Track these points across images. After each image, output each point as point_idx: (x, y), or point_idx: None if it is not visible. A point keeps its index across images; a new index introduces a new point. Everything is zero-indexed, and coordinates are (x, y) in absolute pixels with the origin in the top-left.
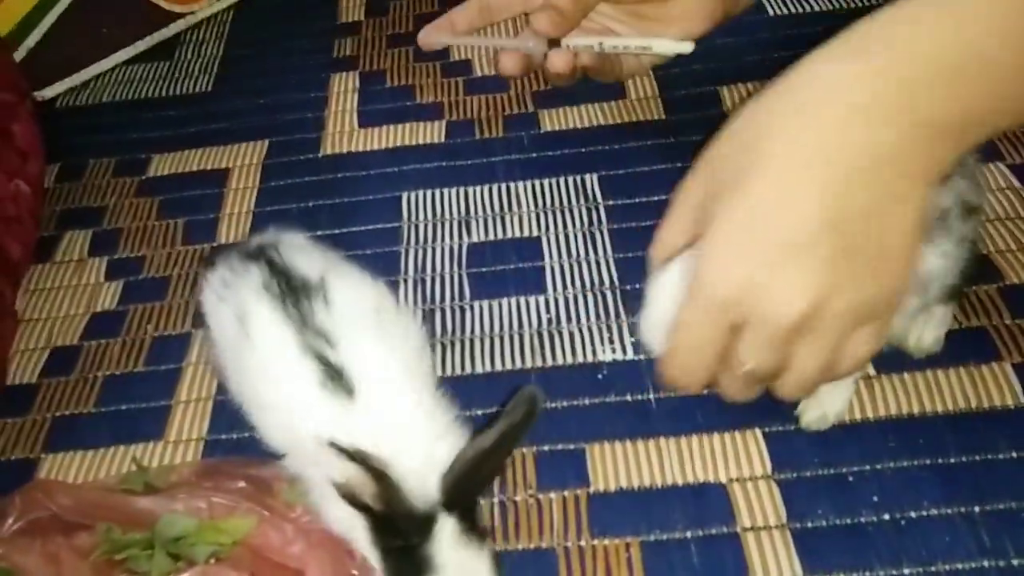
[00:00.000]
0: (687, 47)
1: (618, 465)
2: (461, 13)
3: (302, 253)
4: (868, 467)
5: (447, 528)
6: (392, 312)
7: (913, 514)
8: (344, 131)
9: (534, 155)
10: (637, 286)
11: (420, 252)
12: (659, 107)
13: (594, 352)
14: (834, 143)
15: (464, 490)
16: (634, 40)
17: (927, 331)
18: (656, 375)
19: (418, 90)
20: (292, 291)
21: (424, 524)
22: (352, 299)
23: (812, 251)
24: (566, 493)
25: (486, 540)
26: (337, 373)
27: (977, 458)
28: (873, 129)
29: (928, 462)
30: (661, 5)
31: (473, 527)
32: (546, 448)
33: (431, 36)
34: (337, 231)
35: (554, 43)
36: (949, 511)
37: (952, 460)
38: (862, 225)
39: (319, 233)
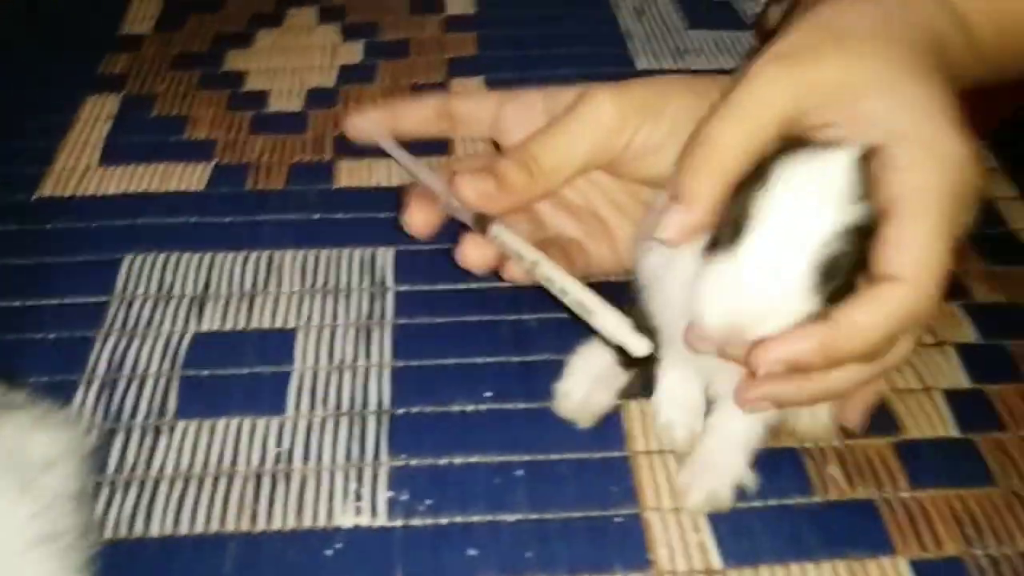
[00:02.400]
0: (641, 347)
1: None
2: (412, 109)
3: None
4: None
5: None
6: None
7: None
8: (78, 168)
9: (316, 217)
10: (414, 410)
11: (123, 342)
12: None
13: (331, 512)
14: None
15: None
16: (577, 290)
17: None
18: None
19: (191, 123)
20: None
21: None
22: None
23: None
24: None
25: None
26: None
27: None
28: None
29: None
30: None
31: None
32: None
33: (367, 127)
34: (19, 303)
35: (483, 219)
36: None
37: None
38: None
39: None
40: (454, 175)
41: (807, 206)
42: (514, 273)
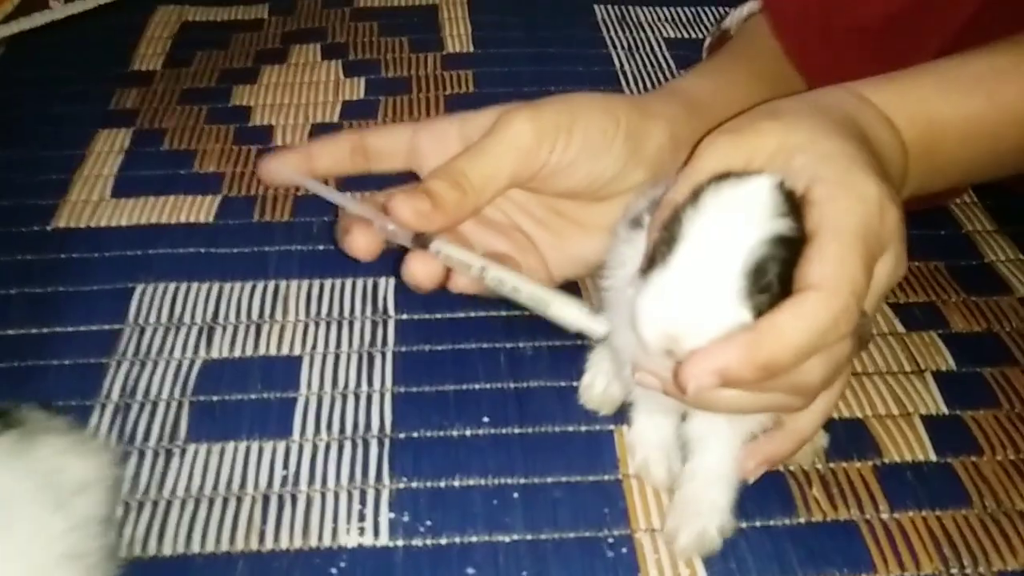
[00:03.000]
0: (600, 328)
1: None
2: (326, 148)
3: None
4: None
5: None
6: None
7: None
8: (91, 200)
9: (320, 248)
10: (415, 434)
11: (136, 368)
12: None
13: (335, 532)
14: None
15: None
16: (529, 285)
17: None
18: None
19: (199, 156)
20: None
21: None
22: None
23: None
24: None
25: None
26: None
27: None
28: None
29: None
30: (591, 207)
31: None
32: None
33: (278, 169)
34: (35, 330)
35: (421, 238)
36: None
37: None
38: None
39: (10, 332)
40: (389, 199)
41: (734, 219)
42: (461, 284)
